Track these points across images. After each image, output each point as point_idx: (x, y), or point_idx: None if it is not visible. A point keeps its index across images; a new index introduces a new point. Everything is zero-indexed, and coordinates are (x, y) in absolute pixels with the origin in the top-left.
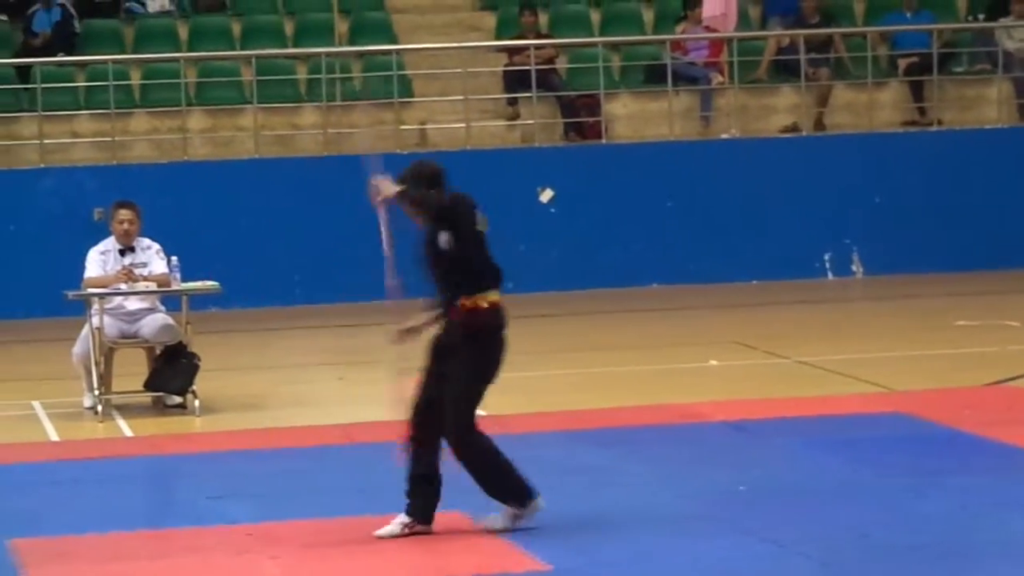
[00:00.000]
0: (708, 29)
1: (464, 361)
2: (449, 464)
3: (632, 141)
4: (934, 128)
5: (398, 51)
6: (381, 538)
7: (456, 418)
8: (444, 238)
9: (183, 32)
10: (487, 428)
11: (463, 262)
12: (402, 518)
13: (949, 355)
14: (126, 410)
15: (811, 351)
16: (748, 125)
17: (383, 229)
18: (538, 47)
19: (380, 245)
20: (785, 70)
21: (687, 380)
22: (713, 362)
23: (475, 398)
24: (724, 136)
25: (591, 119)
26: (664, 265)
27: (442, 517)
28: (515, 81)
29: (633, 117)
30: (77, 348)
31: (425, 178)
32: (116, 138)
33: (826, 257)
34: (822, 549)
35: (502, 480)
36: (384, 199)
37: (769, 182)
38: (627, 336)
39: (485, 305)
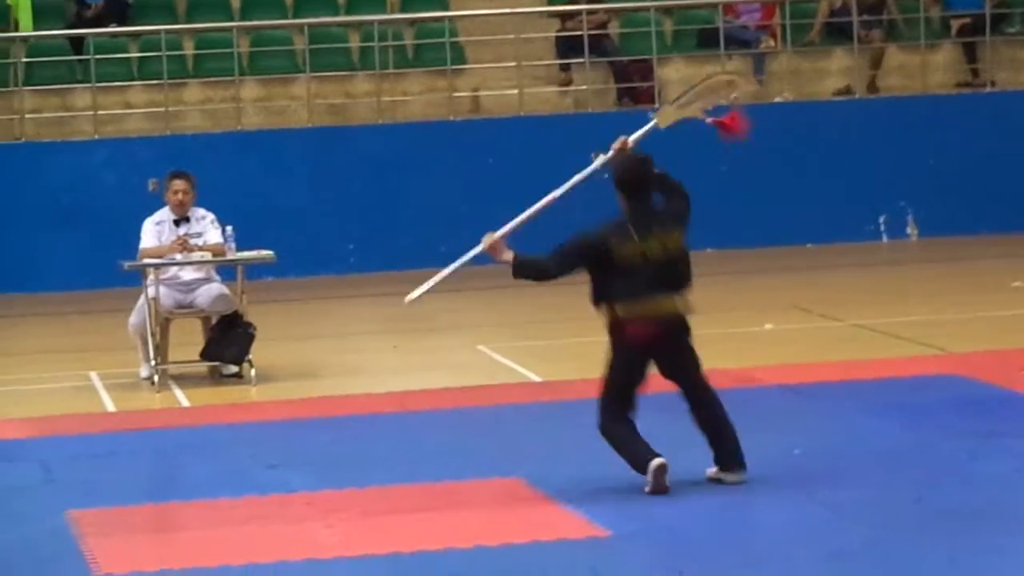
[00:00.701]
0: None
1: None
2: None
3: None
4: (987, 89)
5: (450, 18)
6: None
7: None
8: None
9: (236, 1)
10: (539, 395)
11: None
12: None
13: (1005, 317)
14: (182, 380)
15: (866, 314)
16: (801, 88)
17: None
18: (590, 12)
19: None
20: (838, 33)
21: (742, 344)
22: (768, 326)
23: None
24: (777, 99)
25: (644, 84)
26: (718, 229)
27: (502, 483)
28: (568, 47)
29: (686, 81)
30: (133, 318)
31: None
32: (169, 108)
33: (881, 219)
34: (877, 512)
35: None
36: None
37: (822, 145)
38: None
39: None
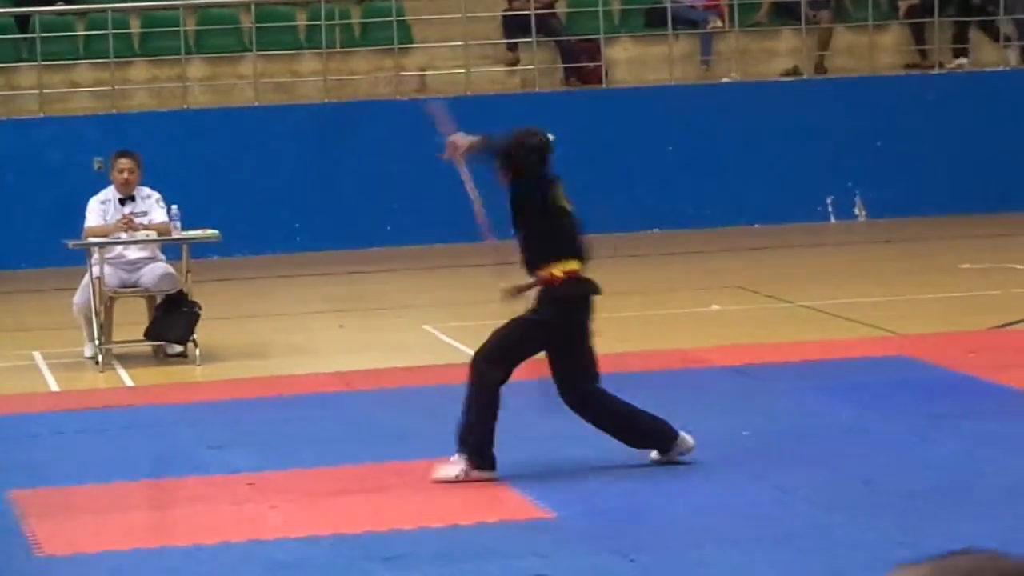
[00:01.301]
0: None
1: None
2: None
3: (632, 85)
4: (935, 71)
5: None
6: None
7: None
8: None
9: None
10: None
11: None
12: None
13: (954, 298)
14: (127, 360)
15: (814, 295)
16: (749, 68)
17: (467, 184)
18: None
19: (467, 199)
20: (786, 13)
21: (689, 325)
22: (715, 307)
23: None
24: (725, 80)
25: (591, 64)
26: (665, 210)
27: (446, 462)
28: (515, 26)
29: (633, 61)
30: (77, 298)
31: (528, 148)
32: (116, 87)
33: (828, 200)
34: (826, 494)
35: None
36: (462, 152)
37: (770, 126)
38: (628, 281)
39: (560, 274)
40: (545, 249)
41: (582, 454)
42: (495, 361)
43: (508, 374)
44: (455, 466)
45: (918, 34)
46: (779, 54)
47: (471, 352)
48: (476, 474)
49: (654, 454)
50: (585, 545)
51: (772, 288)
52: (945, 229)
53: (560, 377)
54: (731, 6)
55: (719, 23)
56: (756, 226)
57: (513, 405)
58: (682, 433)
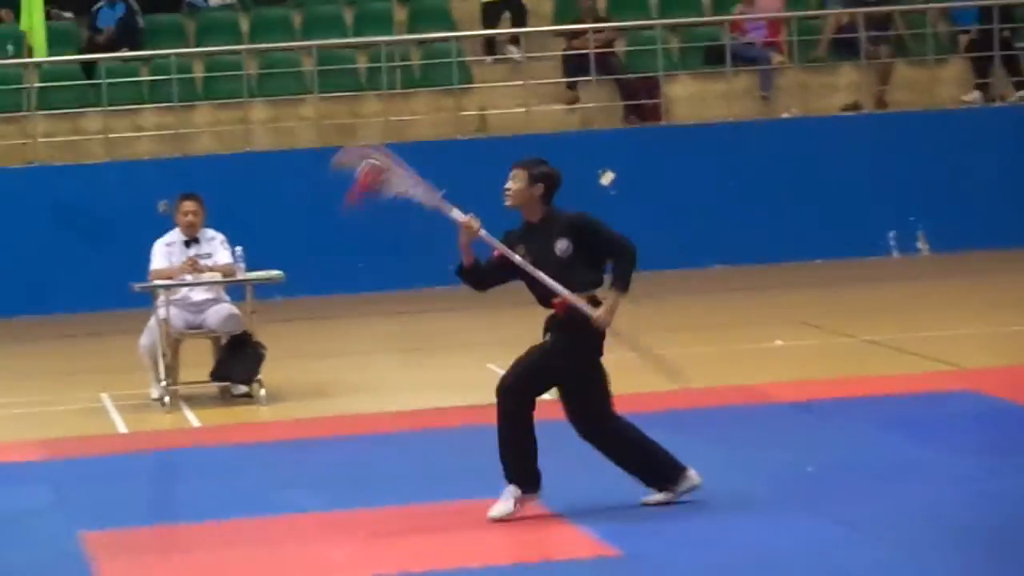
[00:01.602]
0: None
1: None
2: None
3: (692, 122)
4: (996, 104)
5: (457, 38)
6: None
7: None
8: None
9: (244, 24)
10: (548, 412)
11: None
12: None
13: (1019, 332)
14: (193, 400)
15: (878, 330)
16: (809, 104)
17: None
18: (597, 31)
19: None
20: (845, 48)
21: (753, 361)
22: (779, 342)
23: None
24: (785, 115)
25: (651, 101)
26: (727, 245)
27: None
28: (574, 65)
29: (693, 98)
30: (144, 339)
31: (542, 174)
32: (180, 131)
33: (891, 235)
34: (892, 530)
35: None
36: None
37: (831, 161)
38: (691, 317)
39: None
40: (576, 279)
41: (642, 489)
42: (520, 393)
43: (534, 403)
44: (507, 501)
45: (979, 68)
46: (839, 89)
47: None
48: (530, 504)
49: (657, 496)
50: None
51: (835, 323)
52: (1008, 262)
53: (577, 406)
54: (790, 42)
55: (780, 58)
56: (819, 261)
57: (572, 440)
58: (689, 469)
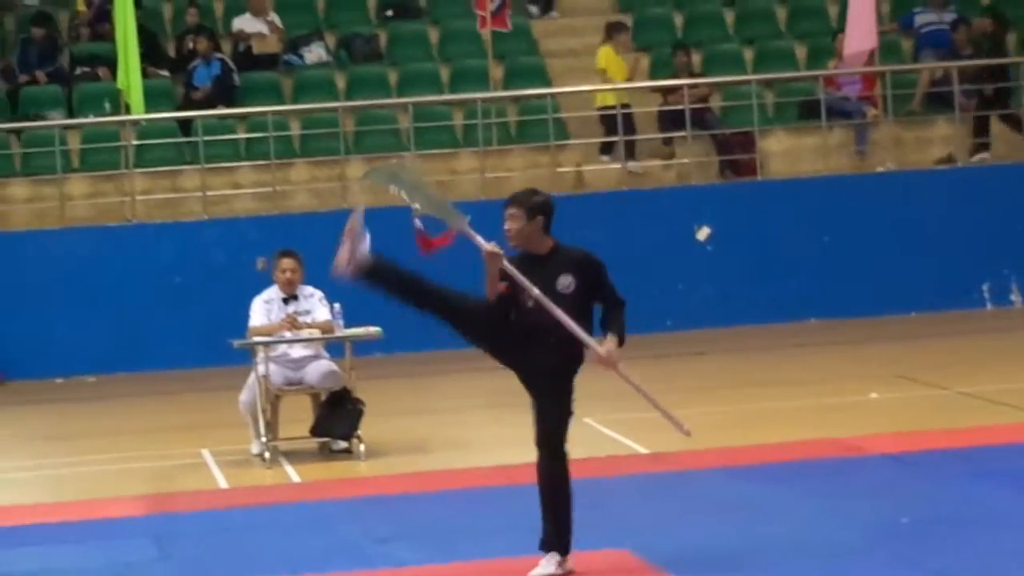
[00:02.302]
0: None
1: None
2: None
3: (787, 177)
4: None
5: (553, 94)
6: None
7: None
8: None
9: (341, 82)
10: (649, 466)
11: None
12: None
13: None
14: (293, 456)
15: (972, 382)
16: (903, 157)
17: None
18: (692, 86)
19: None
20: (939, 102)
21: (848, 414)
22: (874, 395)
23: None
24: (879, 169)
25: (746, 156)
26: (822, 299)
27: (610, 555)
28: (670, 120)
29: (788, 153)
30: (244, 396)
31: (538, 205)
32: (277, 188)
33: (984, 287)
34: None
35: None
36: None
37: (925, 214)
38: (786, 371)
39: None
40: (573, 317)
41: (739, 540)
42: (554, 450)
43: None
44: (550, 563)
45: None
46: (933, 142)
47: (632, 444)
48: (569, 563)
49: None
50: None
51: (930, 375)
52: None
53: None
54: (884, 96)
55: (874, 112)
56: (913, 314)
57: (665, 495)
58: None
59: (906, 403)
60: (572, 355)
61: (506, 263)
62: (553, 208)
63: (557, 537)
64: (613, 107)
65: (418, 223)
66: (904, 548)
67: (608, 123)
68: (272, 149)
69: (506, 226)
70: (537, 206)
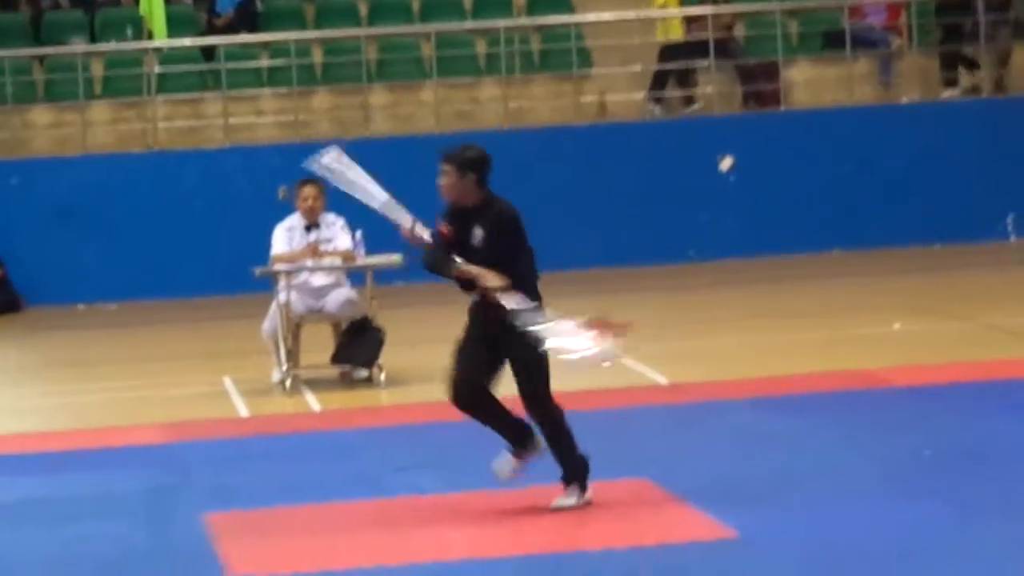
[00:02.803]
0: None
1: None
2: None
3: (811, 107)
4: None
5: (576, 23)
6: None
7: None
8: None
9: (363, 9)
10: (670, 397)
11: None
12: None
13: None
14: (314, 384)
15: (996, 314)
16: (927, 88)
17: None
18: (716, 15)
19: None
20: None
21: (870, 345)
22: (897, 326)
23: None
24: (904, 100)
25: (769, 86)
26: (845, 230)
27: (630, 485)
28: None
29: (812, 83)
30: (266, 324)
31: (469, 161)
32: (299, 116)
33: (1008, 219)
34: (1007, 511)
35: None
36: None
37: (949, 145)
38: (809, 302)
39: None
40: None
41: (761, 471)
42: (545, 397)
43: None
44: (571, 496)
45: None
46: (958, 73)
47: (652, 374)
48: (588, 495)
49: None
50: (769, 564)
51: (953, 308)
52: None
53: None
54: (909, 26)
55: (899, 42)
56: (937, 246)
57: (688, 423)
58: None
59: (929, 335)
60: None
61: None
62: (488, 162)
63: (574, 472)
64: (677, 41)
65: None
66: (927, 480)
67: (670, 57)
68: (295, 76)
69: (439, 181)
70: (468, 162)
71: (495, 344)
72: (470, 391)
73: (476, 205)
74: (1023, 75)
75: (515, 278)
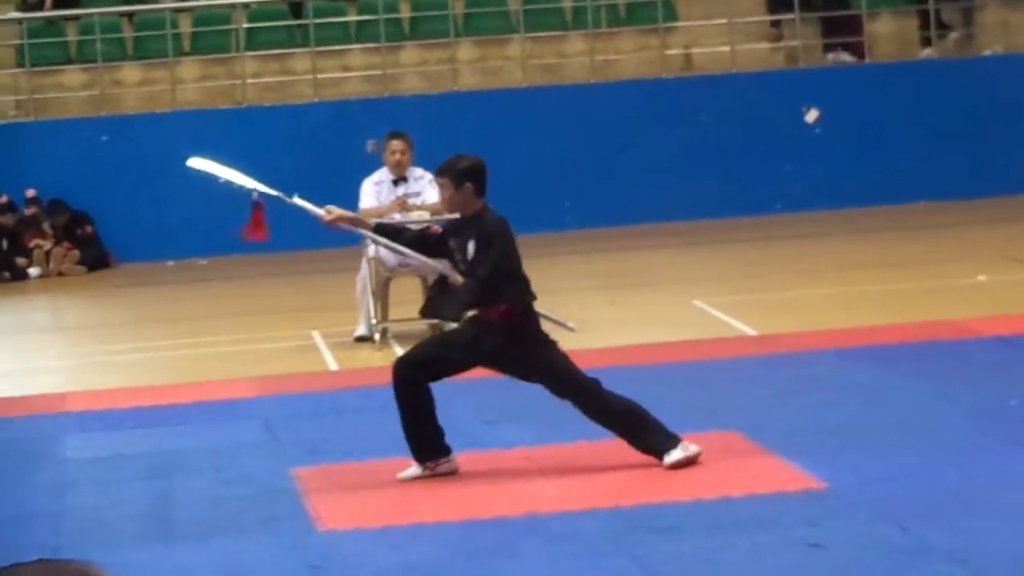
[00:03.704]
0: None
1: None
2: None
3: (895, 59)
4: None
5: None
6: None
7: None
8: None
9: None
10: (758, 348)
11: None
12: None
13: None
14: (403, 338)
15: None
16: (1011, 40)
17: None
18: None
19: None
20: None
21: (957, 296)
22: (982, 277)
23: None
24: (987, 52)
25: (854, 39)
26: (930, 181)
27: (719, 436)
28: (778, 2)
29: (896, 36)
30: (360, 281)
31: (463, 171)
32: (387, 71)
33: None
34: None
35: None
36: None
37: None
38: (896, 253)
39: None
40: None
41: (849, 422)
42: (580, 391)
43: (579, 384)
44: (678, 452)
45: None
46: None
47: (740, 326)
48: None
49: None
50: (858, 515)
51: None
52: None
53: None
54: None
55: None
56: (1021, 195)
57: (774, 373)
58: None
59: (1015, 285)
60: (509, 326)
61: (348, 217)
62: (482, 170)
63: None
64: None
65: (257, 197)
66: (1013, 430)
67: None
68: (382, 31)
69: (441, 197)
70: (463, 172)
71: (494, 360)
72: (409, 379)
73: (477, 214)
74: None
75: (490, 286)
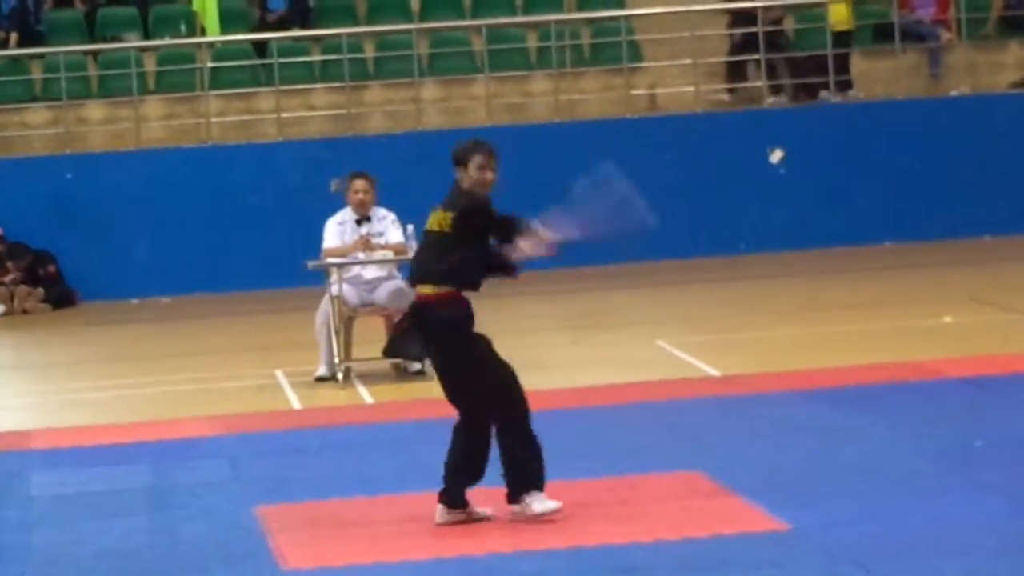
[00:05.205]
0: None
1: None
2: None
3: (861, 100)
4: None
5: (627, 16)
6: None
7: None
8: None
9: (415, 4)
10: (722, 389)
11: None
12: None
13: None
14: (367, 377)
15: None
16: (977, 81)
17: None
18: (766, 8)
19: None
20: (1014, 25)
21: (922, 337)
22: (947, 319)
23: None
24: (953, 93)
25: (819, 79)
26: (895, 223)
27: (682, 477)
28: (742, 43)
29: (861, 76)
30: (320, 317)
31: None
32: (351, 110)
33: None
34: None
35: None
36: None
37: (999, 138)
38: (860, 294)
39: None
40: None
41: (813, 463)
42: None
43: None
44: (541, 503)
45: None
46: (1007, 66)
47: (704, 366)
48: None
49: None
50: (821, 556)
51: (1005, 300)
52: None
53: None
54: (959, 20)
55: (948, 35)
56: (986, 238)
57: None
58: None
59: (980, 327)
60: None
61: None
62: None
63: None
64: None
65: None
66: (978, 471)
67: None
68: (346, 71)
69: (491, 176)
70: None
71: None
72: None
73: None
74: None
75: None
